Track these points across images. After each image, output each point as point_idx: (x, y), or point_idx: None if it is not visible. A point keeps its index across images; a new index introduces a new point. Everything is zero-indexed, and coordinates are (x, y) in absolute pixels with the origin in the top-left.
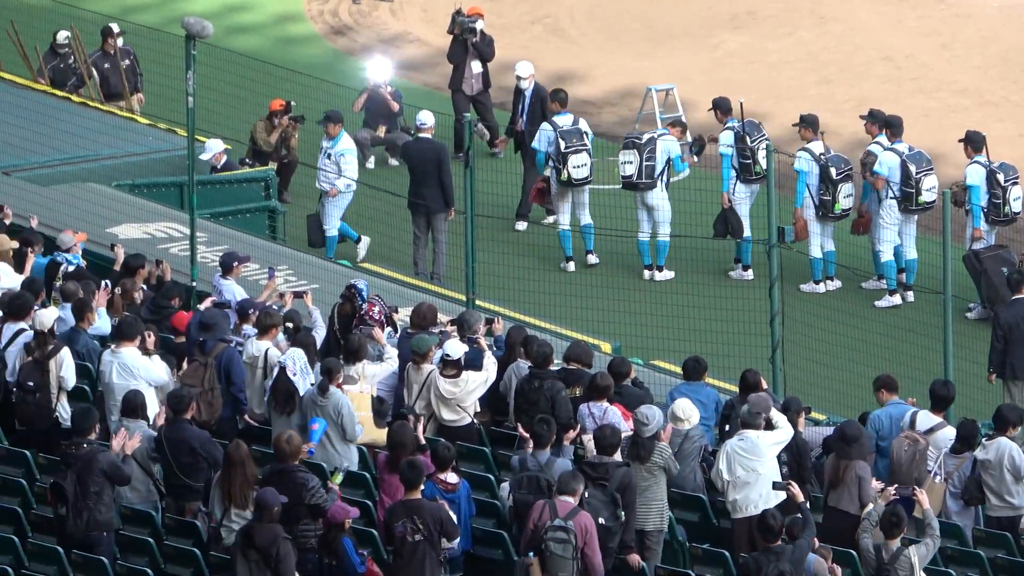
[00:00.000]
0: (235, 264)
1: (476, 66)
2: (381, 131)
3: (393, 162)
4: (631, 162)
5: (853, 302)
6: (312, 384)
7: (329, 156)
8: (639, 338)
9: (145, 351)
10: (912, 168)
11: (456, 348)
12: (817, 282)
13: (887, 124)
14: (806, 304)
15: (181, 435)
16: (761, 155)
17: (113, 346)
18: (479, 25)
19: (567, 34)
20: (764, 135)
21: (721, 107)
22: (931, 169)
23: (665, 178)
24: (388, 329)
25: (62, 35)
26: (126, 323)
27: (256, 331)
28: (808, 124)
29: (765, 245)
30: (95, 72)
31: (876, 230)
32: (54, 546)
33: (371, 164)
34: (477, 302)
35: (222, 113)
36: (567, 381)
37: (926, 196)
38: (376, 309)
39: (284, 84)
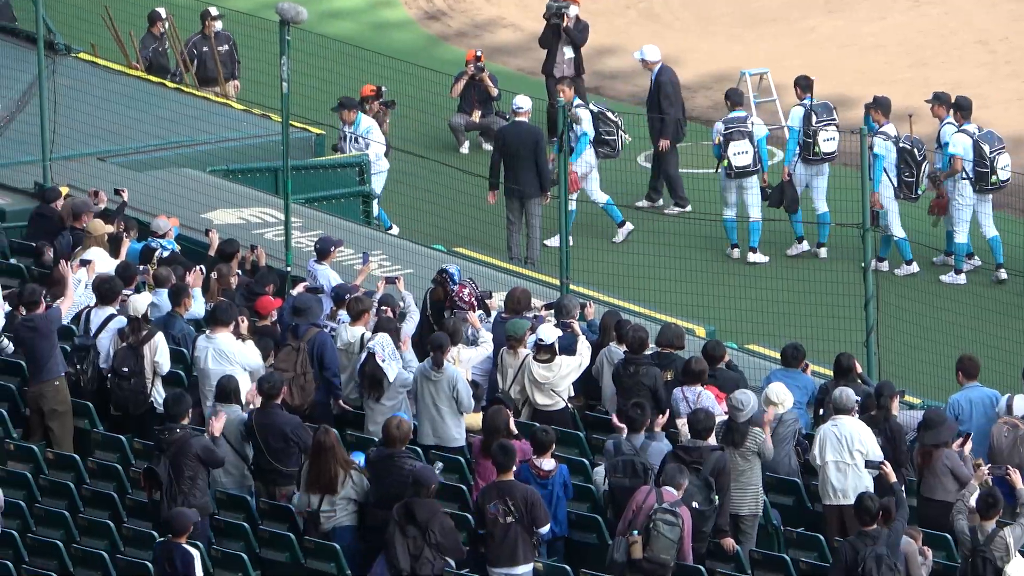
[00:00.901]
0: (331, 249)
1: (568, 51)
2: (476, 116)
3: (487, 147)
4: (746, 152)
5: (947, 284)
6: (403, 368)
7: (357, 140)
8: (733, 322)
9: (239, 336)
10: (985, 148)
11: (550, 333)
12: (909, 262)
13: (957, 106)
14: (899, 287)
15: (272, 420)
16: (822, 137)
17: (208, 331)
18: (573, 11)
19: (661, 19)
20: (834, 119)
21: (800, 84)
22: (1003, 148)
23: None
24: (480, 312)
25: (163, 11)
26: (221, 308)
27: (349, 317)
28: (879, 106)
29: (859, 229)
30: (195, 55)
31: (953, 211)
32: (150, 531)
33: (465, 149)
34: (571, 286)
35: (315, 98)
36: (661, 366)
37: (1001, 174)
38: (466, 291)
39: (377, 69)
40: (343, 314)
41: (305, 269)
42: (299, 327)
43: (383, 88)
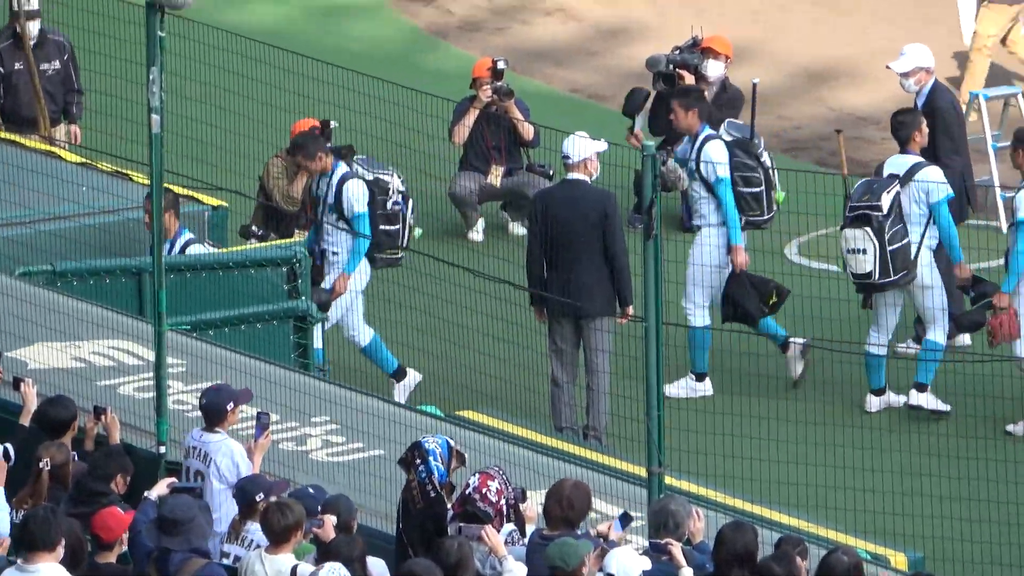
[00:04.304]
0: (228, 408)
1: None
2: (496, 175)
3: (519, 229)
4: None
5: None
6: None
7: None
8: (955, 542)
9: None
10: None
11: (629, 565)
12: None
13: None
14: None
15: None
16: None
17: (20, 560)
18: (714, 69)
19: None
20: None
21: None
22: None
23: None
24: (510, 527)
25: None
26: (39, 521)
27: (266, 538)
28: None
29: None
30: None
31: None
32: None
33: (478, 233)
34: (667, 479)
35: (211, 142)
36: None
37: None
38: (494, 487)
39: (324, 90)
40: (254, 529)
41: (188, 447)
42: (170, 558)
43: (332, 124)
